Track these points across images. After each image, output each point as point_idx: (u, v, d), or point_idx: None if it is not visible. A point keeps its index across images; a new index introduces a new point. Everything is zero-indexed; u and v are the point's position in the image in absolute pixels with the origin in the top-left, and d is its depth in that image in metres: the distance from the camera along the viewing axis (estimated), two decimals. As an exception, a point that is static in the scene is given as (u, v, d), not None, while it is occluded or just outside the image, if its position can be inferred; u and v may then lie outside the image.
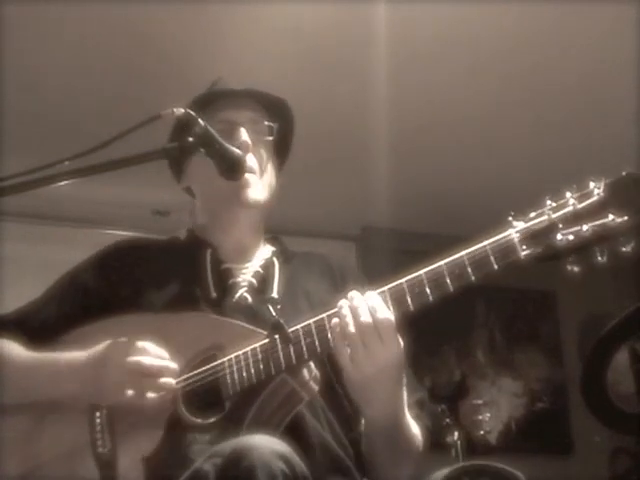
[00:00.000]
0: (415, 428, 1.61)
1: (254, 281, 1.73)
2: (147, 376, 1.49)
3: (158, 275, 1.72)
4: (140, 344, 1.51)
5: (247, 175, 1.69)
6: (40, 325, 1.69)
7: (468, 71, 3.37)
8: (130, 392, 1.48)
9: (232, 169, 1.52)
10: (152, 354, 1.51)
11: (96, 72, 3.26)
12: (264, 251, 1.82)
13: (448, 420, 3.59)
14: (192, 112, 1.44)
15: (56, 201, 3.72)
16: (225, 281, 1.72)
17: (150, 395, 1.48)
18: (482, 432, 4.23)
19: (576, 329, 4.49)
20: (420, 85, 3.42)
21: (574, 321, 4.52)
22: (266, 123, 1.80)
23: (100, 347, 1.54)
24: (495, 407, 4.34)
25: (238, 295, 1.70)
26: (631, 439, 3.71)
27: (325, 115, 3.55)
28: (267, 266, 1.77)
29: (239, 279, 1.73)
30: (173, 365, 1.52)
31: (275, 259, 1.79)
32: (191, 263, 1.74)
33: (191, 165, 1.81)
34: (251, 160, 1.73)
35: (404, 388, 1.52)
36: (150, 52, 3.17)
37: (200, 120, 1.44)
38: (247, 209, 1.75)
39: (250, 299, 1.70)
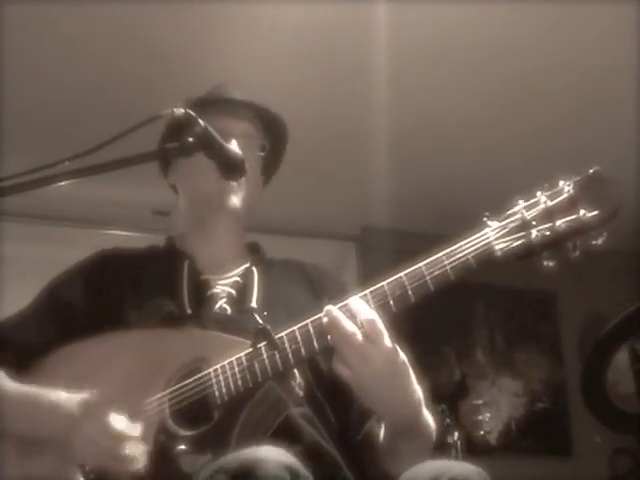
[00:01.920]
0: (431, 420, 1.62)
1: (233, 292, 1.74)
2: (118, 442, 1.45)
3: (137, 288, 1.71)
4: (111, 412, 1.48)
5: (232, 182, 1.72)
6: (21, 347, 1.67)
7: (468, 73, 3.37)
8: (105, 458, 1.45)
9: (233, 169, 1.52)
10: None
11: (96, 72, 3.26)
12: (242, 260, 1.82)
13: (448, 420, 3.59)
14: (192, 112, 1.44)
15: (56, 201, 3.72)
16: (203, 293, 1.72)
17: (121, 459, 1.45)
18: (482, 432, 4.23)
19: (576, 329, 4.49)
20: (420, 86, 3.42)
21: (574, 321, 4.52)
22: (259, 140, 1.82)
23: (77, 399, 1.51)
24: (495, 407, 4.34)
25: (217, 306, 1.70)
26: (631, 439, 3.71)
27: (325, 116, 3.55)
28: (246, 275, 1.77)
29: (217, 290, 1.74)
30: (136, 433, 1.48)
31: (254, 268, 1.79)
32: (169, 275, 1.73)
33: (180, 162, 1.81)
34: None
35: (416, 386, 1.52)
36: (149, 53, 3.17)
37: (200, 120, 1.44)
38: (225, 213, 1.77)
39: (229, 310, 1.70)
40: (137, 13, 2.97)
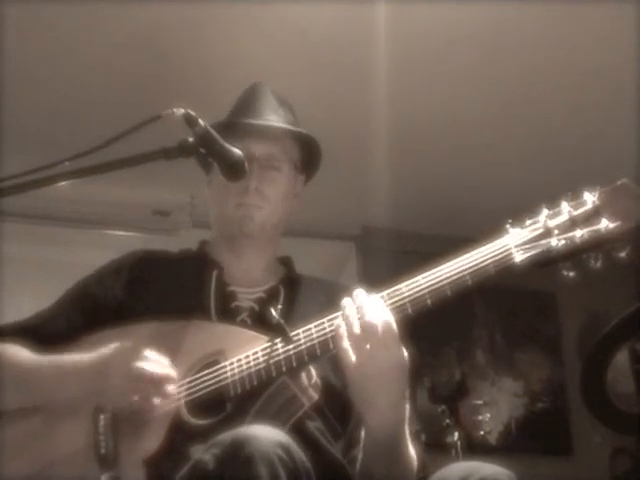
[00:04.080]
0: (412, 451, 1.59)
1: (256, 307, 1.76)
2: (149, 383, 1.51)
3: (165, 293, 1.74)
4: (143, 352, 1.53)
5: (247, 205, 1.77)
6: (49, 337, 1.70)
7: (468, 71, 3.37)
8: (132, 398, 1.50)
9: (233, 169, 1.51)
10: (154, 362, 1.53)
11: (97, 72, 3.26)
12: (271, 276, 1.84)
13: (448, 420, 3.59)
14: (192, 112, 1.44)
15: (56, 201, 3.72)
16: (228, 304, 1.75)
17: (151, 402, 1.50)
18: (482, 432, 4.23)
19: (576, 329, 4.49)
20: (420, 84, 3.42)
21: (574, 321, 4.52)
22: (288, 159, 1.86)
23: (104, 351, 1.57)
24: (495, 407, 4.34)
25: (239, 319, 1.72)
26: (631, 439, 3.71)
27: (325, 115, 3.55)
28: (272, 292, 1.79)
29: (242, 303, 1.76)
30: (173, 373, 1.54)
31: (281, 286, 1.81)
32: (197, 283, 1.76)
33: (214, 171, 1.80)
34: (254, 194, 1.78)
35: (407, 402, 1.51)
36: (151, 53, 3.17)
37: (200, 120, 1.44)
38: (248, 237, 1.80)
39: (250, 324, 1.71)
40: (140, 11, 2.97)
